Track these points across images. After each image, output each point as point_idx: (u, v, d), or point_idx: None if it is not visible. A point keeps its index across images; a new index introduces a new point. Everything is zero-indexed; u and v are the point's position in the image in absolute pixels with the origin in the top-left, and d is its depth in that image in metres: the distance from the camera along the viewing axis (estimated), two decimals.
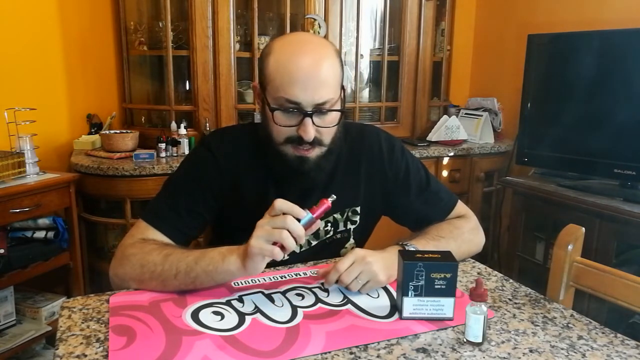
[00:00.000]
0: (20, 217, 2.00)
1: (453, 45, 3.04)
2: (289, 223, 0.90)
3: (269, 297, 0.98)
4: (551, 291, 1.08)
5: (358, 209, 1.21)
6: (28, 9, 2.33)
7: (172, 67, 2.43)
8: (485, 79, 3.17)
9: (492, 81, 3.10)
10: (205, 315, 0.91)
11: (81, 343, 0.83)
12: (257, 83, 1.11)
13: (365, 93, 2.88)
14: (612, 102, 2.01)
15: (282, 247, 0.91)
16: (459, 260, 1.02)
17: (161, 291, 0.99)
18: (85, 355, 0.79)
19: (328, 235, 1.20)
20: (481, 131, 2.80)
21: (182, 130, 2.39)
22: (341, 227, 1.21)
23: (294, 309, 0.94)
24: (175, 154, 2.37)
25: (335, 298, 0.99)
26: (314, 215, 0.93)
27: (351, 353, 0.81)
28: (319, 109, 1.02)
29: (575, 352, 0.83)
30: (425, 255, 0.91)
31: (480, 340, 0.83)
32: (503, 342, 0.85)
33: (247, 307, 0.94)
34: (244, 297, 0.98)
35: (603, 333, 0.89)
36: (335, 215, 1.19)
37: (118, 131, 2.47)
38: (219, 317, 0.91)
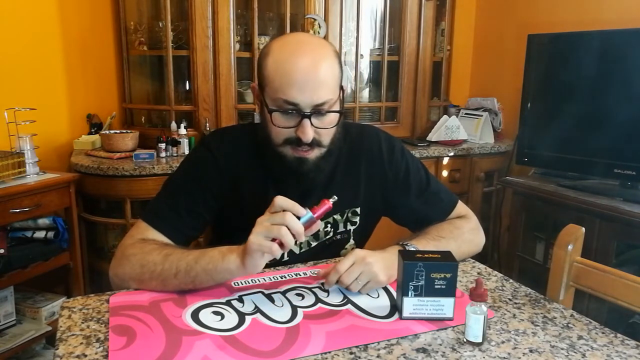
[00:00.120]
0: (20, 217, 2.00)
1: (453, 45, 3.03)
2: (288, 220, 0.89)
3: (269, 297, 0.98)
4: (551, 291, 1.08)
5: (358, 209, 1.21)
6: (28, 9, 2.33)
7: (172, 67, 2.43)
8: (485, 79, 3.17)
9: (492, 81, 3.10)
10: (205, 315, 0.91)
11: (81, 343, 0.83)
12: (255, 84, 1.11)
13: (365, 93, 2.88)
14: (612, 102, 2.01)
15: (281, 245, 0.90)
16: (459, 261, 1.02)
17: (161, 291, 0.99)
18: (85, 355, 0.79)
19: (328, 237, 1.20)
20: (481, 131, 2.80)
21: (182, 130, 2.39)
22: (341, 228, 1.21)
23: (294, 309, 0.94)
24: (175, 154, 2.37)
25: (335, 298, 0.99)
26: (315, 215, 0.92)
27: (351, 353, 0.81)
28: (318, 110, 1.02)
29: (575, 352, 0.83)
30: (425, 255, 0.91)
31: (480, 340, 0.83)
32: (503, 342, 0.85)
33: (247, 307, 0.94)
34: (244, 297, 0.98)
35: (603, 333, 0.89)
36: (335, 216, 1.19)
37: (118, 131, 2.47)
38: (219, 317, 0.91)
